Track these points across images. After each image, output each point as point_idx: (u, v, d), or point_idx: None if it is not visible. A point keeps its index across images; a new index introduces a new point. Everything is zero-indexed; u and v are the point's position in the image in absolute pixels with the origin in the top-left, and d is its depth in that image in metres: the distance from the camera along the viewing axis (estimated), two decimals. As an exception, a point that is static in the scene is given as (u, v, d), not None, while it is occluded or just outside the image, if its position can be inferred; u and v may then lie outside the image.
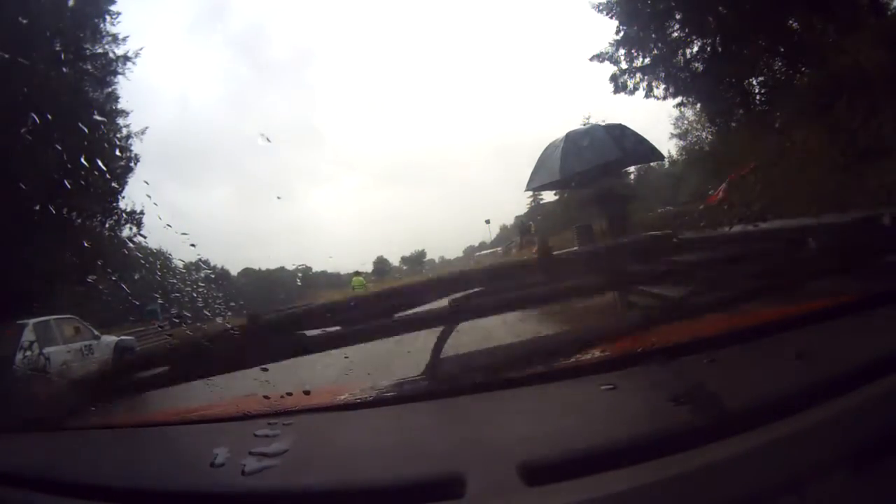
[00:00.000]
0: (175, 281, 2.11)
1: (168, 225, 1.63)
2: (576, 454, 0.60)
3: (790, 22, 13.29)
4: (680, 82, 16.04)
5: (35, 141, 9.10)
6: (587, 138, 7.96)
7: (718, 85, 15.23)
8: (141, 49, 14.69)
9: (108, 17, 14.08)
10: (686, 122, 21.11)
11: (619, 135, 7.90)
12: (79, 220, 12.25)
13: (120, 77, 14.44)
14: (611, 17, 15.94)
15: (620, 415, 0.72)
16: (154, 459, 0.91)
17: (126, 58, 14.35)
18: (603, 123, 8.77)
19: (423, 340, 1.01)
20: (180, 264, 2.26)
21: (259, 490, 0.66)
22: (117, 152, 13.69)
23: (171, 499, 0.70)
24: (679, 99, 16.87)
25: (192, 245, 1.70)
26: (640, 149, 8.29)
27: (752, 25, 12.91)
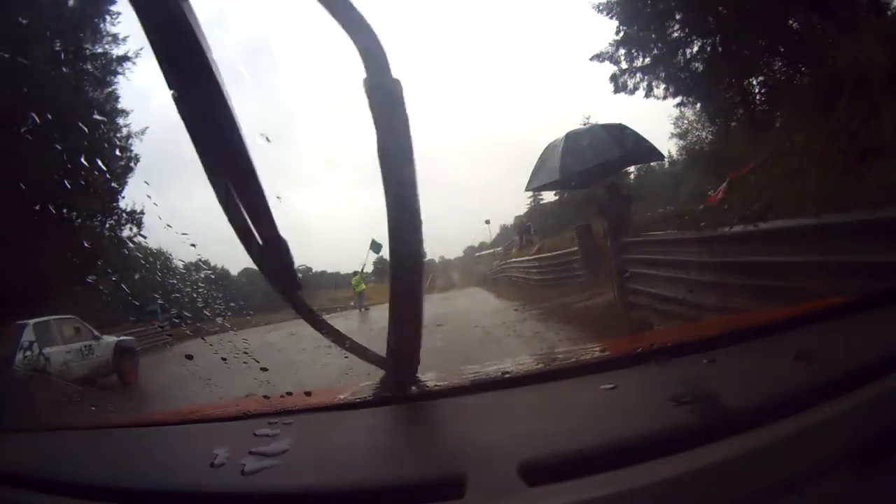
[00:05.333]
0: (175, 281, 2.11)
1: (168, 225, 1.63)
2: (576, 454, 0.60)
3: (790, 22, 13.28)
4: (680, 82, 16.03)
5: (35, 141, 9.10)
6: (587, 138, 7.96)
7: (718, 85, 15.23)
8: (141, 49, 14.70)
9: (108, 17, 14.09)
10: (686, 122, 21.13)
11: (619, 135, 7.90)
12: (79, 220, 12.24)
13: (120, 77, 14.44)
14: (611, 17, 15.95)
15: (620, 415, 0.72)
16: (154, 459, 0.91)
17: (126, 58, 14.36)
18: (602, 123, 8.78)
19: (424, 340, 1.01)
20: (180, 264, 2.26)
21: (259, 490, 0.66)
22: (117, 152, 13.69)
23: (171, 499, 0.70)
24: (679, 99, 16.88)
25: (193, 245, 1.70)
26: (640, 149, 8.29)
27: (752, 25, 12.91)
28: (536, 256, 13.61)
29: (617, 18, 15.90)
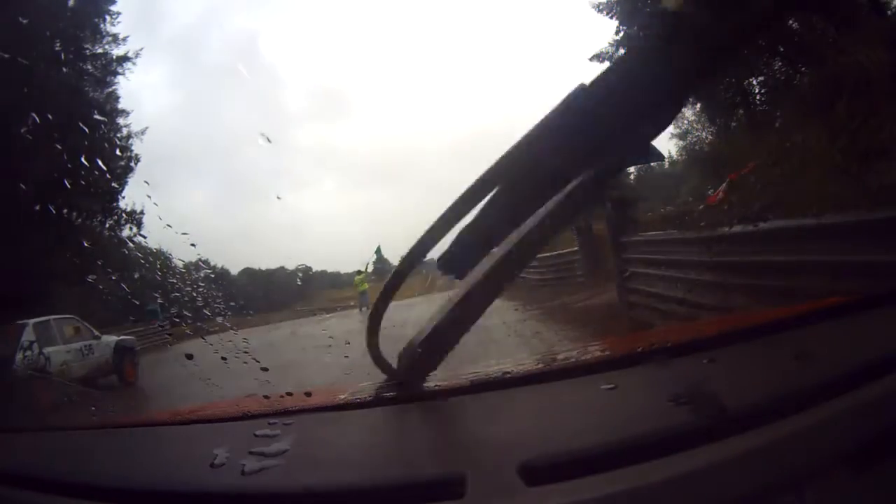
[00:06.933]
0: (175, 281, 2.11)
1: (168, 225, 1.63)
2: (576, 454, 0.60)
3: (790, 22, 13.27)
4: (680, 82, 16.02)
5: (35, 141, 9.11)
6: (587, 138, 7.96)
7: (718, 85, 15.22)
8: (141, 49, 14.71)
9: (108, 17, 14.09)
10: (686, 122, 21.13)
11: (619, 135, 7.90)
12: (79, 220, 12.24)
13: (120, 77, 14.45)
14: (611, 18, 15.94)
15: (620, 415, 0.72)
16: (154, 459, 0.91)
17: (126, 58, 14.36)
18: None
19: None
20: (180, 264, 2.26)
21: (259, 490, 0.66)
22: (117, 152, 13.70)
23: (171, 499, 0.70)
24: (679, 99, 16.86)
25: (193, 245, 1.70)
26: (641, 149, 8.29)
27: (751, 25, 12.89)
28: (536, 256, 13.60)
29: (617, 18, 15.91)
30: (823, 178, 4.13)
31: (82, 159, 9.85)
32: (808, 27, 12.52)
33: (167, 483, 0.74)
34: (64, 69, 12.93)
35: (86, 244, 11.63)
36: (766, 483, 0.53)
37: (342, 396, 1.03)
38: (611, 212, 6.49)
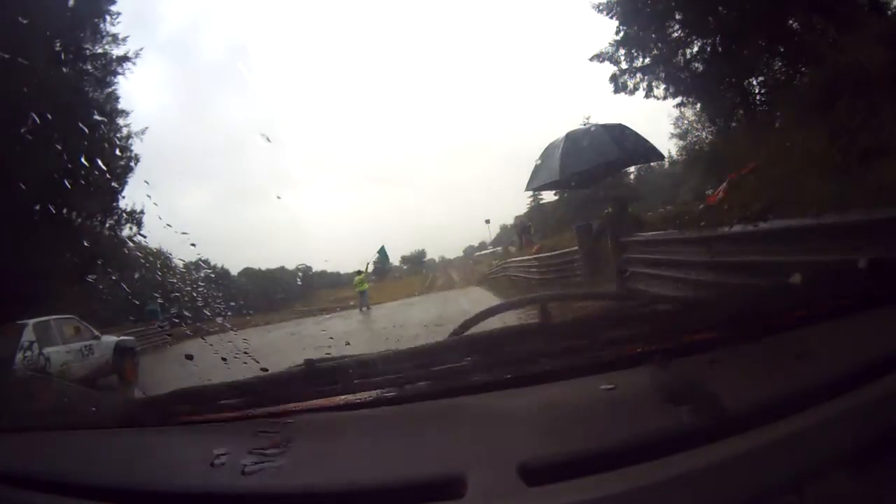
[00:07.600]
0: (175, 281, 2.12)
1: (168, 225, 1.64)
2: (576, 454, 0.60)
3: (790, 22, 13.28)
4: (680, 82, 16.03)
5: (35, 141, 9.10)
6: (587, 138, 7.99)
7: (718, 85, 15.23)
8: (141, 49, 14.71)
9: (108, 17, 14.10)
10: (686, 122, 21.19)
11: (619, 135, 7.92)
12: (79, 220, 12.24)
13: (120, 77, 14.45)
14: (611, 17, 15.94)
15: (620, 415, 0.72)
16: (154, 459, 0.91)
17: (126, 58, 14.37)
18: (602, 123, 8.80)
19: (423, 341, 1.01)
20: (180, 264, 2.27)
21: (259, 490, 0.66)
22: (117, 152, 13.71)
23: (171, 499, 0.70)
24: (679, 99, 16.89)
25: (193, 245, 1.71)
26: (640, 149, 8.31)
27: (752, 25, 12.90)
28: (536, 256, 13.62)
29: (617, 18, 15.90)
30: (823, 178, 4.13)
31: (82, 159, 9.86)
32: (808, 27, 12.52)
33: (167, 483, 0.74)
34: (64, 69, 12.93)
35: (86, 244, 11.63)
36: (766, 483, 0.53)
37: (342, 396, 1.03)
38: (611, 212, 6.49)
